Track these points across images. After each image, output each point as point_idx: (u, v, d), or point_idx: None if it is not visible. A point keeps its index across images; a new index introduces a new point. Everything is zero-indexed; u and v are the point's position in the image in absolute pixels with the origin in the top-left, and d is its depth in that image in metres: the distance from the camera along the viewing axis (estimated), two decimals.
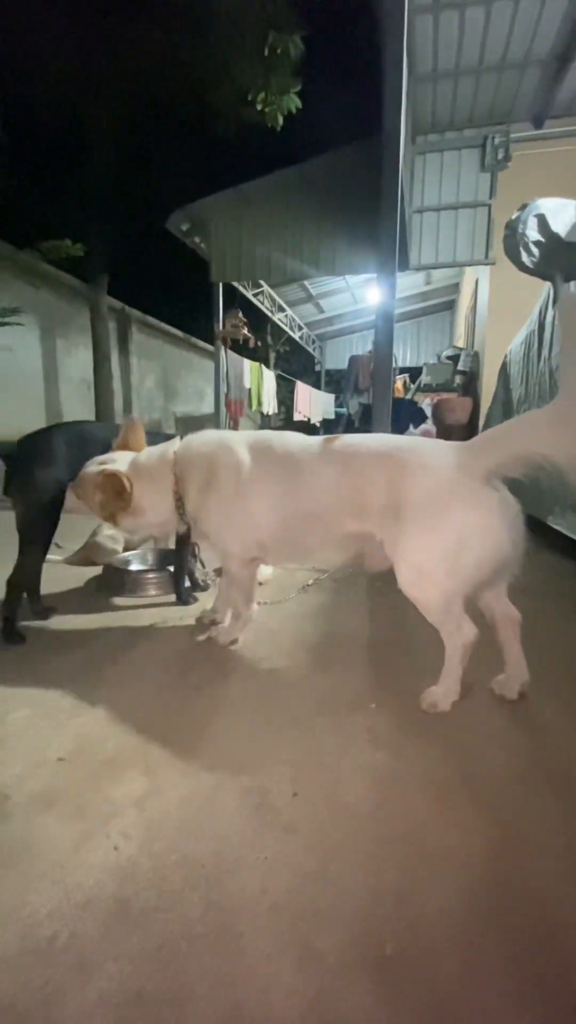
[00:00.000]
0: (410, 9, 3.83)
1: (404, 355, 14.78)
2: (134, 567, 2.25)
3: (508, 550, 1.22)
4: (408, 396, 9.06)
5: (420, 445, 1.36)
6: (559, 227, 2.96)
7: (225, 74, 4.28)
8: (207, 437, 1.63)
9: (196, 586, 2.07)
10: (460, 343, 10.54)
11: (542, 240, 2.98)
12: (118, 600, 2.03)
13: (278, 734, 1.18)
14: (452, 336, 12.81)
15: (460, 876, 0.82)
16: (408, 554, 1.27)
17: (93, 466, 1.60)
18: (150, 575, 2.11)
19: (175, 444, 1.63)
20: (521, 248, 3.05)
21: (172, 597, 2.03)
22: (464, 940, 0.72)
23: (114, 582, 2.12)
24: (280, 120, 4.55)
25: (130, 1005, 0.64)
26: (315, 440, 1.52)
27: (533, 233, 3.02)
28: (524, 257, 3.08)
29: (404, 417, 7.32)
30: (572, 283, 2.79)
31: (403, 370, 11.97)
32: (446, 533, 1.21)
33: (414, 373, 11.00)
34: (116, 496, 1.56)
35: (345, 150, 5.93)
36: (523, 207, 3.10)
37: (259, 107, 4.36)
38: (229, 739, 1.17)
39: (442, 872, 0.83)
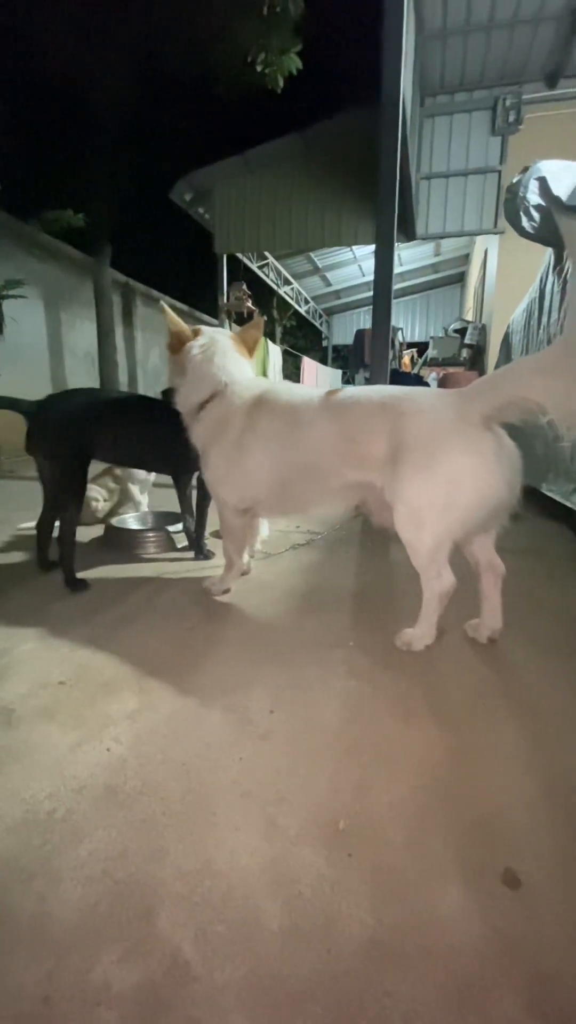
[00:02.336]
0: None
1: (413, 329, 14.59)
2: (134, 526, 2.35)
3: (503, 493, 1.25)
4: (414, 371, 8.98)
5: (418, 393, 1.40)
6: (560, 189, 2.92)
7: (225, 33, 4.18)
8: (247, 385, 1.64)
9: (196, 547, 2.15)
10: (469, 316, 10.37)
11: (543, 204, 2.95)
12: (131, 557, 2.13)
13: (261, 665, 1.28)
14: (462, 310, 12.59)
15: (415, 776, 0.92)
16: (405, 495, 1.31)
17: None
18: (150, 534, 2.21)
19: (234, 383, 1.64)
20: (522, 213, 3.02)
21: (175, 554, 2.13)
22: (411, 822, 0.82)
23: (115, 541, 2.22)
24: (281, 82, 4.45)
25: (116, 859, 0.74)
26: (317, 392, 1.55)
27: (534, 197, 2.98)
28: (524, 222, 3.05)
29: None
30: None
31: (411, 345, 11.84)
32: (442, 475, 1.25)
33: (422, 348, 10.87)
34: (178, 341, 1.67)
35: (350, 114, 5.79)
36: (525, 170, 3.06)
37: (259, 68, 4.27)
38: (216, 669, 1.27)
39: (400, 773, 0.92)
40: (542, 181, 2.96)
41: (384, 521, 1.46)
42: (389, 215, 3.09)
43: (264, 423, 1.55)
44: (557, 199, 2.90)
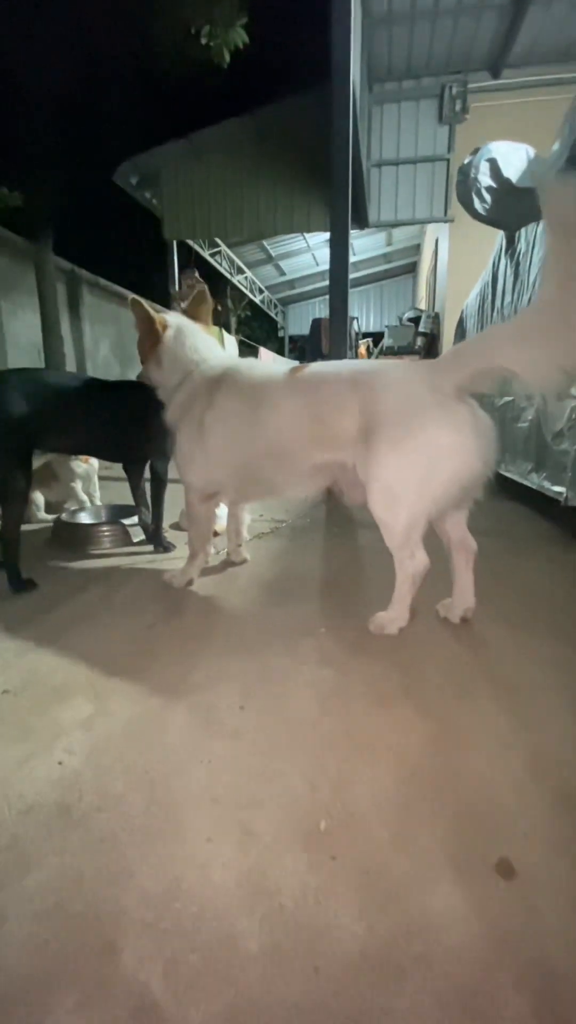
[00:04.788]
0: None
1: (367, 319, 14.68)
2: (86, 520, 2.21)
3: (479, 467, 1.21)
4: (371, 359, 9.03)
5: (387, 366, 1.34)
6: (510, 172, 2.94)
7: (166, 4, 3.98)
8: (216, 364, 1.59)
9: (152, 538, 2.03)
10: (422, 305, 10.51)
11: (494, 186, 2.96)
12: (84, 554, 1.99)
13: (228, 659, 1.20)
14: (415, 299, 12.75)
15: (396, 766, 0.86)
16: (378, 473, 1.25)
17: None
18: (104, 528, 2.07)
19: (202, 363, 1.59)
20: (474, 194, 3.02)
21: (131, 548, 2.00)
22: (396, 816, 0.76)
23: (66, 537, 2.07)
24: (227, 56, 4.30)
25: (70, 889, 0.65)
26: (281, 369, 1.49)
27: (485, 179, 2.99)
28: (477, 204, 3.06)
29: None
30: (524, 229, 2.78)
31: (366, 335, 11.90)
32: (417, 450, 1.20)
33: (377, 337, 10.95)
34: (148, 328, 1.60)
35: (301, 98, 5.68)
36: (475, 151, 3.06)
37: (204, 41, 4.10)
38: (180, 666, 1.17)
39: (379, 763, 0.87)
40: (492, 162, 2.97)
41: (357, 502, 1.41)
42: (343, 194, 3.04)
43: (224, 401, 1.49)
44: (507, 180, 2.92)
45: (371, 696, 1.05)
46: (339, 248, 3.06)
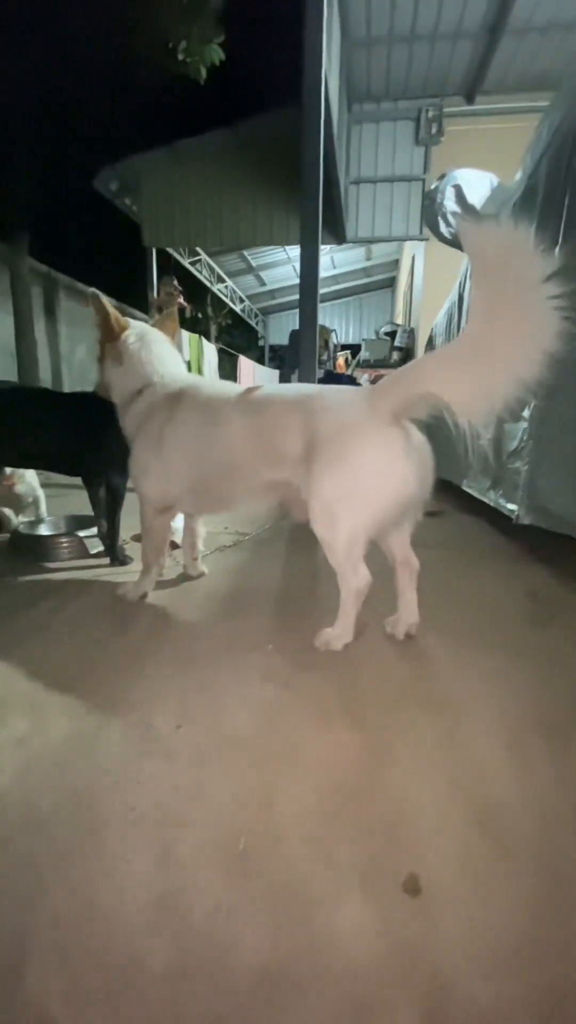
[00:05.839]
0: None
1: (347, 332, 14.88)
2: (44, 532, 2.19)
3: (413, 488, 1.25)
4: (348, 372, 9.15)
5: (329, 391, 1.39)
6: (475, 199, 3.04)
7: (144, 20, 4.03)
8: (174, 378, 1.62)
9: (108, 551, 2.02)
10: (399, 320, 10.71)
11: (458, 211, 3.06)
12: (38, 567, 1.97)
13: (172, 676, 1.21)
14: (393, 313, 12.98)
15: (323, 782, 0.88)
16: (318, 492, 1.29)
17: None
18: (61, 540, 2.06)
19: (165, 376, 1.62)
20: (439, 218, 3.12)
21: (89, 560, 1.99)
22: (315, 832, 0.78)
23: (24, 548, 2.06)
24: (204, 72, 4.37)
25: None
26: (236, 389, 1.52)
27: (451, 204, 3.09)
28: (443, 228, 3.15)
29: None
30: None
31: (344, 347, 12.05)
32: (351, 470, 1.25)
33: (355, 349, 11.09)
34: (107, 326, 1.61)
35: (279, 112, 5.78)
36: (442, 177, 3.17)
37: (181, 57, 4.16)
38: (123, 682, 1.18)
39: (306, 780, 0.89)
40: (458, 188, 3.07)
41: (303, 519, 1.44)
42: (313, 212, 3.10)
43: (183, 417, 1.52)
44: (471, 207, 3.02)
45: (308, 712, 1.07)
46: (309, 265, 3.12)
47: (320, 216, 3.11)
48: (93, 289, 1.57)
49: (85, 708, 1.08)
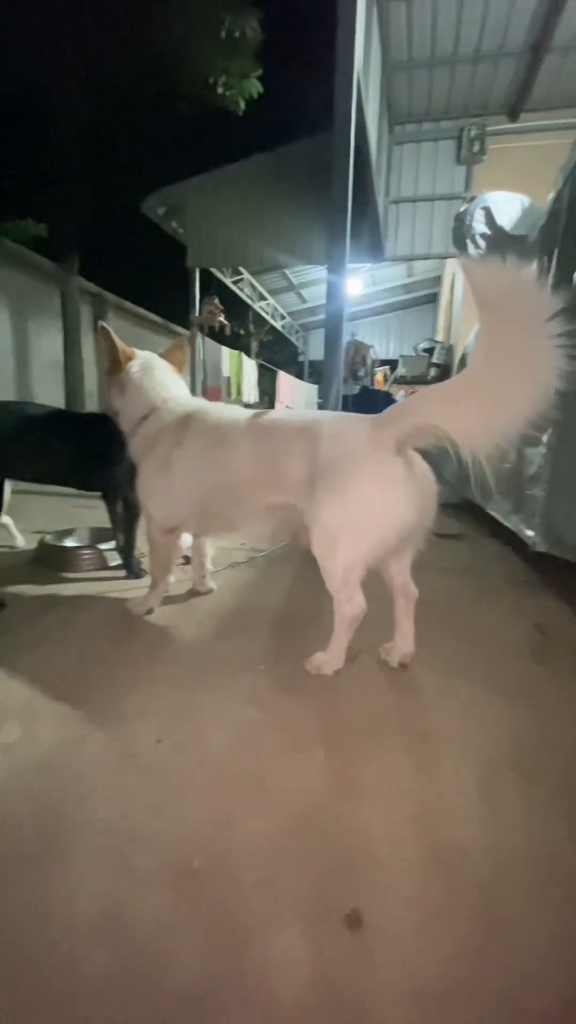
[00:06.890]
0: None
1: (387, 347, 14.83)
2: (69, 544, 2.30)
3: (413, 516, 1.26)
4: (386, 387, 9.13)
5: (336, 418, 1.43)
6: (504, 220, 3.02)
7: (185, 56, 4.26)
8: (180, 403, 1.70)
9: (124, 564, 2.10)
10: (440, 336, 10.60)
11: (488, 232, 3.05)
12: (54, 576, 2.08)
13: (161, 691, 1.26)
14: (435, 329, 12.86)
15: (286, 809, 0.90)
16: (319, 518, 1.32)
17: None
18: (83, 552, 2.16)
19: (169, 400, 1.70)
20: (468, 240, 3.11)
21: (107, 572, 2.09)
22: (268, 859, 0.80)
23: (46, 559, 2.17)
24: (242, 104, 4.55)
25: None
26: (244, 414, 1.57)
27: (480, 225, 3.08)
28: (471, 249, 3.14)
29: (380, 408, 7.39)
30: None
31: (384, 362, 12.02)
32: (352, 498, 1.27)
33: (394, 365, 11.04)
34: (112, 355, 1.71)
35: (317, 139, 5.92)
36: (471, 199, 3.16)
37: (220, 90, 4.35)
38: (115, 694, 1.23)
39: (271, 805, 0.91)
40: (487, 211, 3.06)
41: (306, 543, 1.47)
42: (340, 249, 3.16)
43: (190, 441, 1.57)
44: (500, 229, 3.01)
45: (284, 737, 1.09)
46: (335, 293, 3.19)
47: (347, 254, 3.18)
48: (102, 322, 1.67)
49: (76, 717, 1.14)
